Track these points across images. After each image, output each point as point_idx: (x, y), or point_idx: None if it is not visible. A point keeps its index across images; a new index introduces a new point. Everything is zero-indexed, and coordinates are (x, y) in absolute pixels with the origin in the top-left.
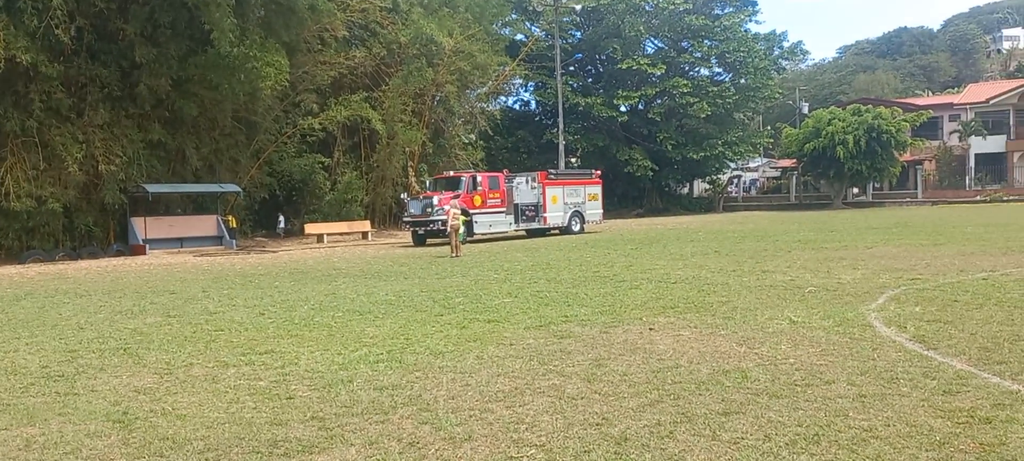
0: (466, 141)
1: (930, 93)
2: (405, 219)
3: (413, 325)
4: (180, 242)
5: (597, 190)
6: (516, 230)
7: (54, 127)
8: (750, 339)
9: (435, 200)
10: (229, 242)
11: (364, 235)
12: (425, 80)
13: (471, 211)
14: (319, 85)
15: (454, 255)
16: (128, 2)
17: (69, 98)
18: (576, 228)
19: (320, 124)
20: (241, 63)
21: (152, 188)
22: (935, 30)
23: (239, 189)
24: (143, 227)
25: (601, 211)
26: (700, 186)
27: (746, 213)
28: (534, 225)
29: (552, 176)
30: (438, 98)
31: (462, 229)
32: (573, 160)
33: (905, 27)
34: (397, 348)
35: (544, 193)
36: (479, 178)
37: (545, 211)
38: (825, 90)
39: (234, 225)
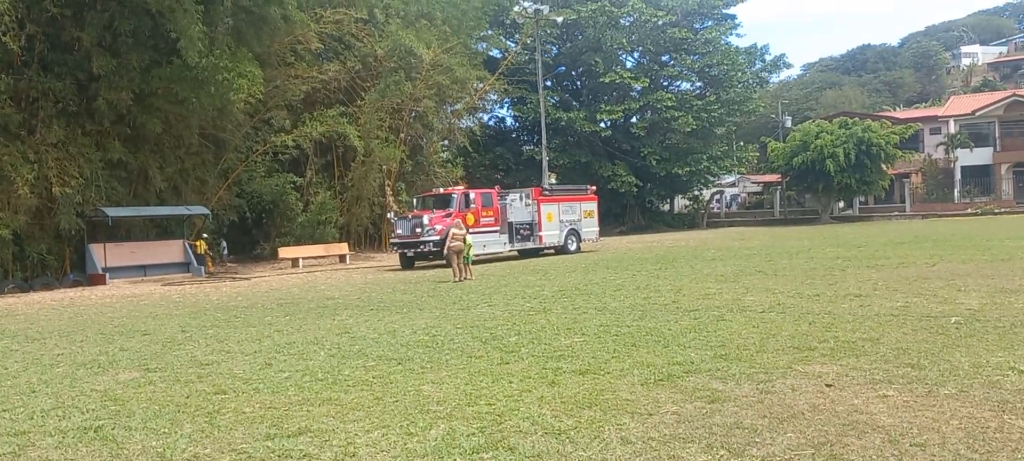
0: (445, 158)
1: (897, 108)
2: (392, 240)
3: (482, 381)
4: (143, 270)
5: (593, 207)
6: (510, 250)
7: (2, 146)
8: (1005, 404)
9: (425, 219)
10: (197, 269)
11: (342, 258)
12: (403, 94)
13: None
14: (290, 101)
15: (457, 279)
16: (85, 8)
17: (19, 114)
18: (572, 247)
19: (293, 141)
20: (210, 75)
21: (112, 212)
22: (897, 47)
23: (207, 211)
24: (102, 254)
25: (597, 229)
26: (680, 202)
27: (733, 229)
28: (529, 244)
29: (547, 192)
30: (415, 113)
31: (470, 250)
32: (552, 177)
33: (869, 44)
34: (490, 423)
35: (539, 211)
36: (472, 195)
37: (540, 230)
38: (792, 106)
39: (203, 250)
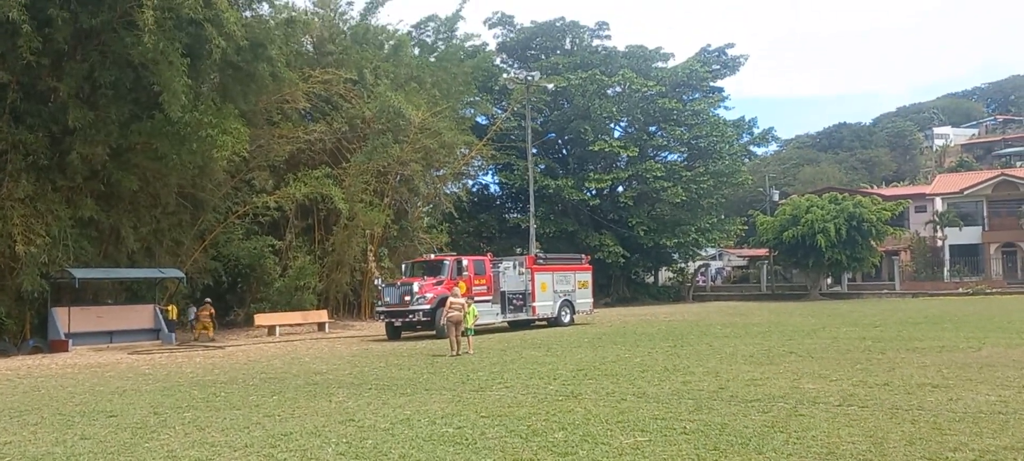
0: (428, 224)
1: (873, 186)
2: (378, 309)
3: None
4: (109, 336)
5: (587, 277)
6: (501, 321)
7: None
8: None
9: (415, 287)
10: (167, 336)
11: (321, 326)
12: (390, 157)
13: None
14: (274, 161)
15: (454, 353)
16: (63, 57)
17: None
18: (566, 319)
19: (276, 202)
20: (193, 130)
21: (80, 273)
22: (871, 126)
23: (182, 275)
24: (66, 319)
25: (591, 301)
26: (664, 275)
27: (722, 304)
28: (521, 315)
29: (540, 261)
30: (401, 177)
31: (472, 321)
32: (537, 246)
33: (845, 123)
34: None
35: (533, 280)
36: (465, 262)
37: (534, 300)
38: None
39: (175, 316)
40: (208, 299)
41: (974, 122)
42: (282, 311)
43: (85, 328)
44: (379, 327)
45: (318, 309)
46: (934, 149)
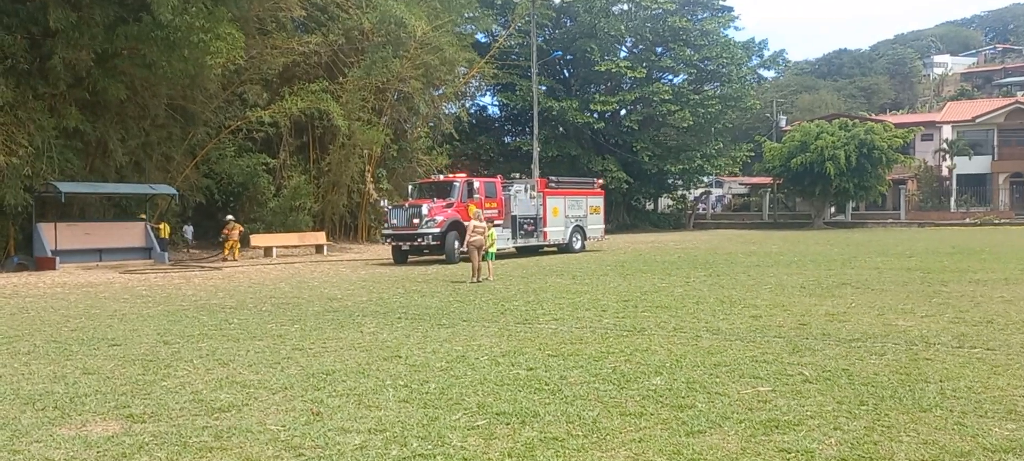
0: (428, 145)
1: (871, 114)
2: (385, 231)
3: None
4: (98, 254)
5: (599, 202)
6: (512, 247)
7: None
8: None
9: (424, 209)
10: (160, 255)
11: (319, 249)
12: (389, 72)
13: (466, 223)
14: (267, 74)
15: (475, 279)
16: None
17: None
18: (577, 246)
19: (270, 117)
20: (184, 35)
21: (65, 187)
22: (870, 52)
23: (174, 191)
24: (53, 235)
25: (602, 226)
26: (662, 203)
27: (725, 231)
28: (532, 241)
29: (553, 184)
30: (400, 94)
31: (493, 247)
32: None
33: (845, 49)
34: None
35: (544, 204)
36: (476, 184)
37: (545, 225)
38: (768, 109)
39: (167, 234)
40: (230, 216)
41: (973, 51)
42: (277, 232)
43: (72, 245)
44: (378, 250)
45: (314, 230)
46: (933, 78)
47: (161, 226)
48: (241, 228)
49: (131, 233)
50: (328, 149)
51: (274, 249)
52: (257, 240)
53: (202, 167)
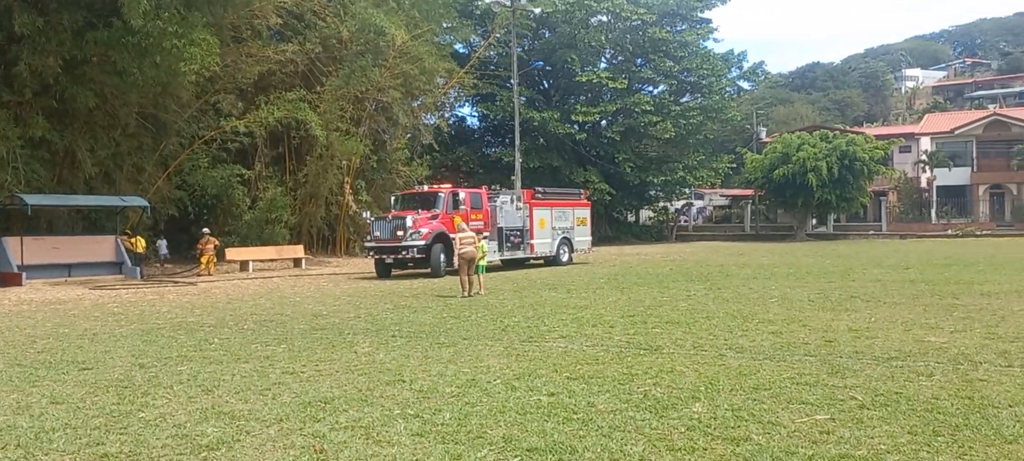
0: (407, 156)
1: (845, 126)
2: (367, 244)
3: None
4: (67, 269)
5: (586, 213)
6: (498, 259)
7: None
8: None
9: (408, 221)
10: (131, 270)
11: (297, 262)
12: (369, 81)
13: (452, 235)
14: (241, 83)
15: (466, 293)
16: None
17: None
18: (565, 258)
19: (246, 126)
20: (156, 41)
21: (32, 199)
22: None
23: (146, 203)
24: (19, 250)
25: (589, 238)
26: (643, 215)
27: (708, 243)
28: (519, 253)
29: (539, 195)
30: (379, 105)
31: (484, 260)
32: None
33: (818, 62)
34: None
35: (531, 215)
36: (462, 195)
37: (532, 237)
38: (746, 121)
39: (142, 248)
40: (206, 230)
41: (943, 65)
42: (253, 245)
43: (40, 260)
44: (358, 264)
45: (295, 244)
46: (904, 91)
47: (136, 240)
48: (217, 242)
49: (101, 247)
50: (305, 160)
51: (250, 263)
52: (233, 254)
53: (174, 178)
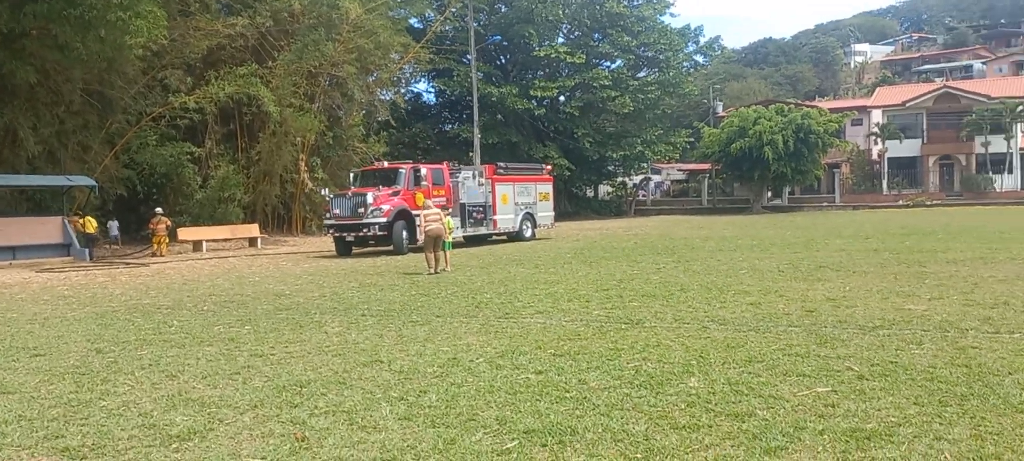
0: (362, 133)
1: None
2: (327, 222)
3: None
4: (12, 252)
5: (548, 189)
6: (460, 236)
7: None
8: None
9: (369, 198)
10: (80, 252)
11: (252, 242)
12: (322, 56)
13: (414, 212)
14: (189, 58)
15: (432, 270)
16: None
17: None
18: (528, 234)
19: (195, 102)
20: (100, 14)
21: None
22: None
23: (94, 182)
24: None
25: (552, 213)
26: (601, 190)
27: (667, 217)
28: (482, 230)
29: (501, 171)
30: (333, 80)
31: (450, 237)
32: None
33: (771, 38)
34: None
35: (494, 191)
36: (423, 171)
37: (495, 213)
38: (701, 96)
39: (93, 229)
40: (159, 209)
41: (891, 40)
42: (205, 225)
43: None
44: (316, 242)
45: (249, 224)
46: (854, 66)
47: (87, 220)
48: (169, 222)
49: (47, 229)
50: (258, 137)
51: (204, 243)
52: (185, 234)
53: (122, 157)
